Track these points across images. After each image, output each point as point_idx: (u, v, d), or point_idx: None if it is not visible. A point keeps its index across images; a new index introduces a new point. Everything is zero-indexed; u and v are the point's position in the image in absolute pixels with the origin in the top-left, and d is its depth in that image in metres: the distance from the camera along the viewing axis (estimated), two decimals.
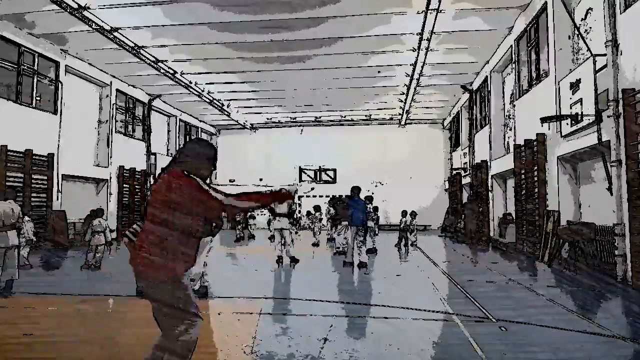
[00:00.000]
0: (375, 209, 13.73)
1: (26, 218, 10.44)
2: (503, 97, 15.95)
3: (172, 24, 12.42)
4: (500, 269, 10.26)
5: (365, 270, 9.90)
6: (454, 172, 22.83)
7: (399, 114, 23.37)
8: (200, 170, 3.13)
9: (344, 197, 14.25)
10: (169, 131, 23.28)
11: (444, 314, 5.83)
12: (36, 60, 13.84)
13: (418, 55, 14.41)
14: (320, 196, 23.32)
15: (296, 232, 15.74)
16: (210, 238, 7.11)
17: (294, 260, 10.48)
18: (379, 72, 16.56)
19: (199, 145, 3.28)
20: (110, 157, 17.61)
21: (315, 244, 15.62)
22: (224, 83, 18.33)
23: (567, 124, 9.68)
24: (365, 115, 24.52)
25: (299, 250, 11.49)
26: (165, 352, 2.97)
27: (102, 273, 9.40)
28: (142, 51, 14.28)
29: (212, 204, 2.97)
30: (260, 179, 26.33)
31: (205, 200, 2.96)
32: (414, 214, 15.31)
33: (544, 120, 9.93)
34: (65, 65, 15.04)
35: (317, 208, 17.94)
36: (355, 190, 11.12)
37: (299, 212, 12.80)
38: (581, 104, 8.92)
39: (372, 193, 18.12)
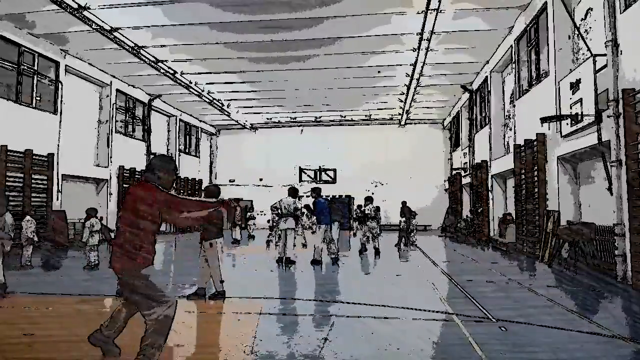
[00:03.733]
0: (377, 209, 13.62)
1: (27, 217, 10.43)
2: (503, 97, 15.95)
3: (172, 24, 12.44)
4: (500, 269, 10.25)
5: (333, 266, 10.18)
6: (454, 172, 22.84)
7: (399, 114, 23.37)
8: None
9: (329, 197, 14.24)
10: (169, 131, 23.29)
11: (444, 314, 5.83)
12: (36, 60, 13.85)
13: (418, 55, 14.42)
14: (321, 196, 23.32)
15: (301, 233, 15.56)
16: (222, 239, 6.95)
17: (290, 262, 10.41)
18: (379, 72, 16.57)
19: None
20: (110, 157, 17.62)
21: (305, 245, 15.31)
22: (224, 83, 18.34)
23: (567, 124, 9.68)
24: (365, 115, 24.53)
25: (297, 251, 11.47)
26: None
27: (102, 273, 9.39)
28: (142, 51, 14.29)
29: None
30: (260, 179, 26.34)
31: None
32: (414, 214, 15.28)
33: (544, 120, 9.92)
34: (65, 65, 15.05)
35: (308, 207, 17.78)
36: (317, 190, 11.58)
37: (302, 212, 12.78)
38: (581, 104, 8.92)
39: (372, 193, 18.12)
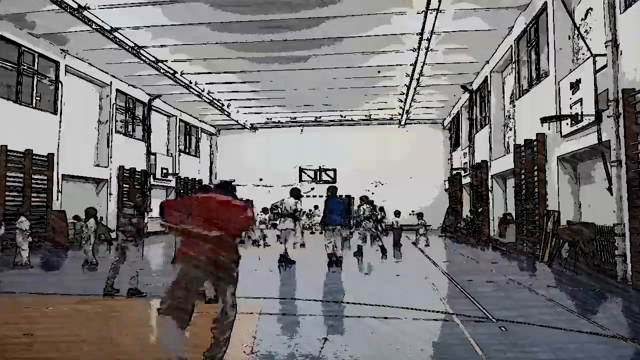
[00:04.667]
0: (381, 209, 13.38)
1: (21, 218, 10.34)
2: (503, 97, 15.95)
3: (172, 24, 12.44)
4: (500, 269, 10.25)
5: (339, 269, 10.05)
6: (454, 172, 22.83)
7: (399, 114, 23.37)
8: None
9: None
10: (169, 131, 23.28)
11: (444, 314, 5.83)
12: (36, 60, 13.85)
13: (418, 55, 14.42)
14: (320, 196, 23.32)
15: (302, 233, 15.45)
16: None
17: (290, 262, 10.38)
18: (379, 72, 16.57)
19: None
20: (110, 157, 17.61)
21: (304, 244, 15.16)
22: (224, 83, 18.34)
23: (567, 124, 9.68)
24: (365, 115, 24.53)
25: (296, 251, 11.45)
26: None
27: (102, 273, 9.38)
28: (142, 51, 14.29)
29: None
30: (260, 179, 26.34)
31: None
32: (420, 215, 15.33)
33: (544, 120, 9.92)
34: (65, 65, 15.05)
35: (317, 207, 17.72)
36: (331, 189, 11.27)
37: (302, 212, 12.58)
38: (581, 104, 8.92)
39: (372, 193, 18.08)
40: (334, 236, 10.70)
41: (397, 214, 14.97)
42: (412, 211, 15.62)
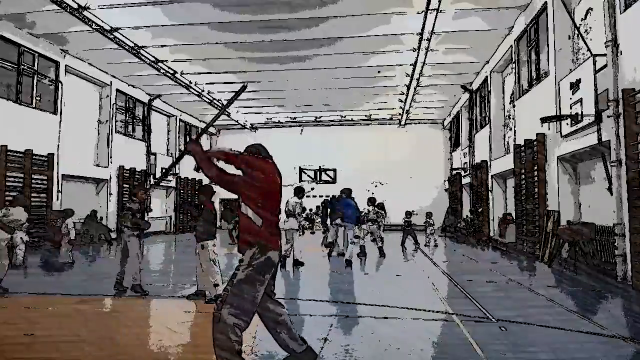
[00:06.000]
0: (377, 212, 13.26)
1: None
2: (503, 97, 15.95)
3: (172, 24, 12.43)
4: (500, 269, 10.26)
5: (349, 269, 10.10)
6: (454, 172, 22.83)
7: (399, 114, 23.37)
8: None
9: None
10: (169, 131, 23.28)
11: (444, 314, 5.83)
12: (36, 60, 13.84)
13: (418, 55, 14.41)
14: (320, 196, 23.33)
15: (302, 233, 15.45)
16: (214, 241, 6.73)
17: (299, 264, 10.32)
18: (379, 72, 16.56)
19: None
20: (110, 157, 17.61)
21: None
22: (224, 83, 18.33)
23: (567, 124, 9.68)
24: (365, 115, 24.52)
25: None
26: None
27: (102, 273, 9.39)
28: (142, 51, 14.28)
29: None
30: None
31: None
32: (429, 214, 15.42)
33: (544, 120, 9.92)
34: (65, 65, 15.04)
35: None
36: (346, 191, 11.79)
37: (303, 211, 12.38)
38: (581, 104, 8.92)
39: (372, 193, 18.07)
40: (345, 232, 11.12)
41: (408, 214, 15.03)
42: (412, 211, 15.57)
